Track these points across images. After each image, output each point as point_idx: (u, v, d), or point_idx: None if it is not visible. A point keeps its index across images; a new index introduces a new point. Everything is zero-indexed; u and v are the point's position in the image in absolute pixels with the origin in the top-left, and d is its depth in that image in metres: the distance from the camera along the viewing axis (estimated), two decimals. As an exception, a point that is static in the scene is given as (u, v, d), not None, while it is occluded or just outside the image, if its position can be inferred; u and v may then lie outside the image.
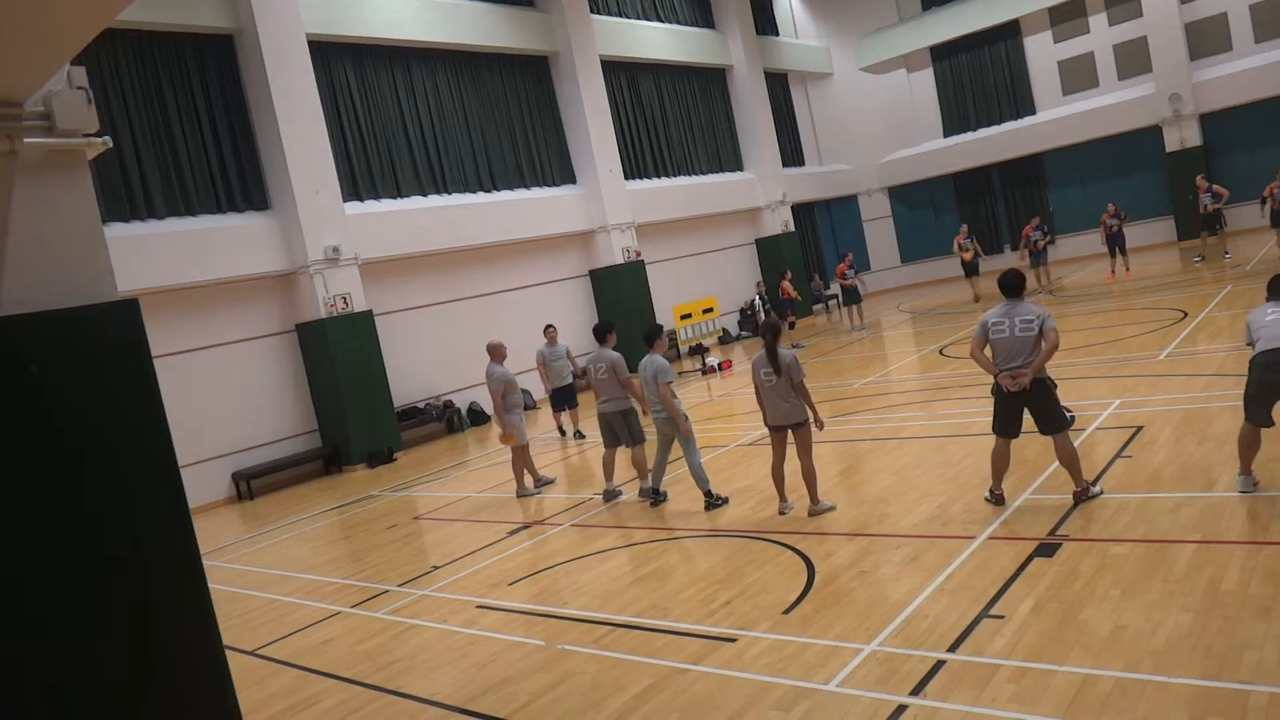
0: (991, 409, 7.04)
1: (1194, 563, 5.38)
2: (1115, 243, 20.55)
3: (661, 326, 9.32)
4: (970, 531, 6.63)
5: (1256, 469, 6.40)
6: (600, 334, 9.70)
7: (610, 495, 9.70)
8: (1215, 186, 20.27)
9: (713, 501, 8.61)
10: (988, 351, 6.96)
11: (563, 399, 14.18)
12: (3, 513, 3.52)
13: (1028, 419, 6.88)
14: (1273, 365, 6.06)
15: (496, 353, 10.79)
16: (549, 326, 14.43)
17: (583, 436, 14.16)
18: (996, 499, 7.08)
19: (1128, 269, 20.79)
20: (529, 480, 10.97)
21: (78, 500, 3.73)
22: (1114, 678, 4.30)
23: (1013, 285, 6.95)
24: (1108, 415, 9.16)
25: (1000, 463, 7.02)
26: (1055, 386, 6.85)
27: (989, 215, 29.08)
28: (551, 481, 11.22)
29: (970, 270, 22.25)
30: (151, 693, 3.84)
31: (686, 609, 6.28)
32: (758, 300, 20.75)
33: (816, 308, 27.52)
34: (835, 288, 23.77)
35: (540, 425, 16.45)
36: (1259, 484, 6.34)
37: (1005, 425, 6.92)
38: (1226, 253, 20.28)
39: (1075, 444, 8.19)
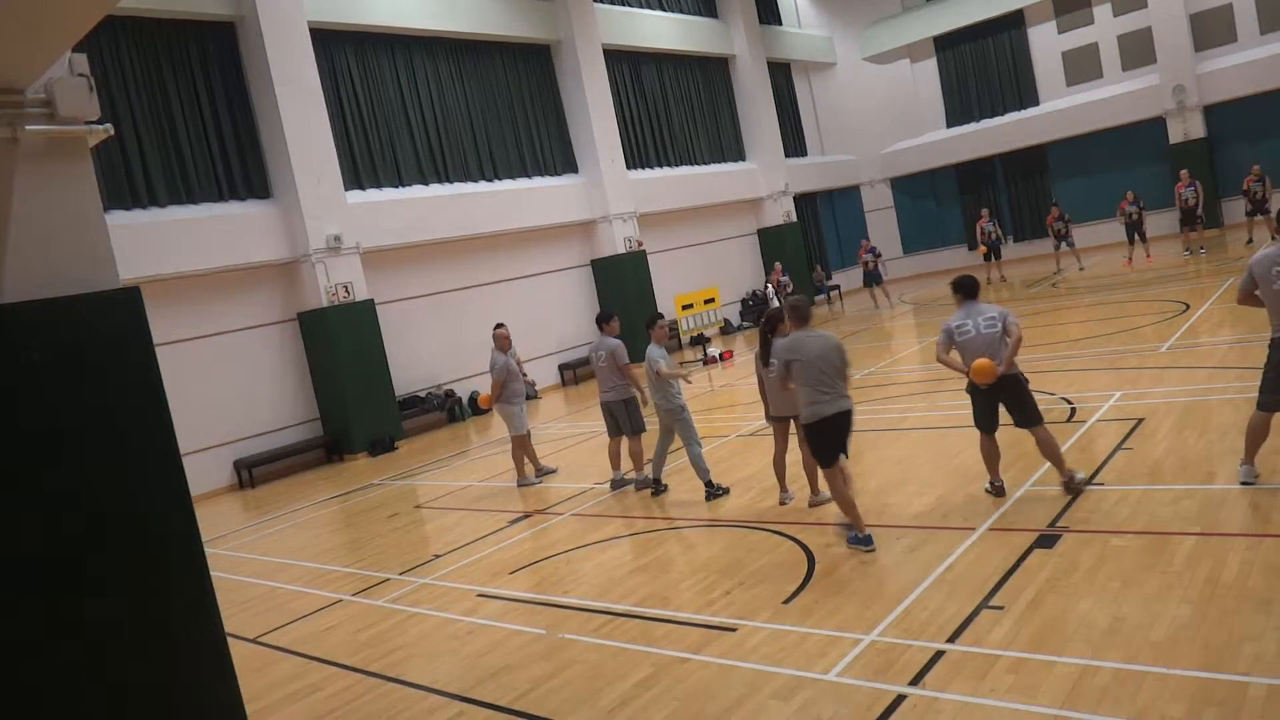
0: (971, 407, 7.13)
1: (1194, 555, 5.39)
2: (1135, 230, 20.70)
3: (659, 314, 9.32)
4: (970, 523, 6.63)
5: (1257, 461, 6.38)
6: (600, 322, 9.75)
7: (617, 484, 9.72)
8: (1197, 183, 20.62)
9: (713, 491, 8.62)
10: (954, 355, 7.06)
11: None
12: (4, 501, 3.53)
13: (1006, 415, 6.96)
14: None
15: (501, 341, 10.81)
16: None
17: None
18: (997, 490, 7.10)
19: (1148, 255, 21.02)
20: (530, 469, 10.98)
21: (79, 488, 3.73)
22: (1113, 669, 4.31)
23: (969, 287, 7.12)
24: (1109, 407, 9.15)
25: (990, 456, 7.12)
26: (1027, 382, 6.97)
27: (992, 207, 29.00)
28: (553, 471, 11.24)
29: (992, 253, 23.11)
30: (154, 681, 3.86)
31: (686, 598, 6.29)
32: (771, 290, 20.57)
33: (819, 298, 27.49)
34: (838, 278, 24.18)
35: (542, 415, 16.47)
36: (1259, 476, 6.33)
37: (986, 420, 7.03)
38: (1201, 248, 20.49)
39: (1076, 436, 8.25)
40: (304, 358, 16.05)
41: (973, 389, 6.97)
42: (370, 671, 6.08)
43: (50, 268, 3.78)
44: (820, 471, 7.04)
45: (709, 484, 8.65)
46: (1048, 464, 7.63)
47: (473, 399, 17.78)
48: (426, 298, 18.05)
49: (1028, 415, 6.84)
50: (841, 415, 6.56)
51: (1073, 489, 6.81)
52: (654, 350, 8.82)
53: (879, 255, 23.97)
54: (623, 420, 9.51)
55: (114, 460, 3.85)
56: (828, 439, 6.62)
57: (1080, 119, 26.44)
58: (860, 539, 6.55)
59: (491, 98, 19.60)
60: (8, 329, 3.61)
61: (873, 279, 23.59)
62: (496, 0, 19.41)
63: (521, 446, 10.77)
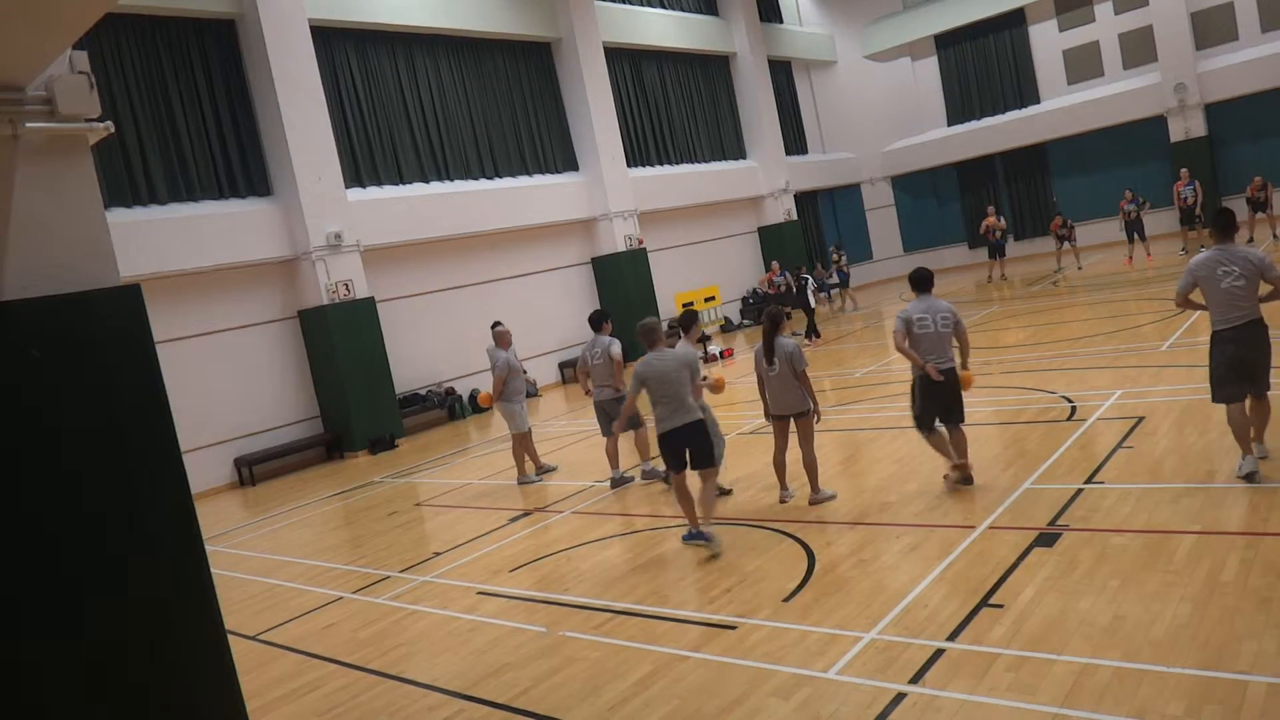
0: (913, 407, 7.48)
1: (1194, 553, 5.39)
2: (1135, 229, 20.69)
3: (697, 314, 8.72)
4: (970, 521, 6.64)
5: (1255, 446, 6.44)
6: (596, 322, 9.76)
7: (618, 482, 9.71)
8: (1196, 182, 20.68)
9: (714, 490, 8.61)
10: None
11: None
12: (3, 498, 3.53)
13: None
14: (1243, 340, 6.14)
15: (501, 339, 10.81)
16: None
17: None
18: (965, 477, 7.35)
19: (1149, 254, 21.01)
20: (530, 467, 10.98)
21: (80, 485, 3.73)
22: (1112, 667, 4.31)
23: (925, 281, 7.48)
24: (1109, 405, 9.16)
25: (945, 448, 7.39)
26: None
27: (995, 205, 28.97)
28: (553, 469, 11.23)
29: (995, 251, 23.25)
30: (154, 678, 3.86)
31: (687, 596, 6.30)
32: (811, 280, 19.98)
33: (819, 295, 27.46)
34: (837, 276, 24.27)
35: (542, 413, 16.48)
36: (1268, 455, 6.47)
37: (933, 418, 7.37)
38: (1202, 247, 20.52)
39: (1076, 435, 8.30)
40: (304, 355, 16.04)
41: (925, 388, 7.26)
42: (370, 669, 6.09)
43: (51, 265, 3.78)
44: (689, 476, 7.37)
45: (709, 482, 8.63)
46: (1048, 462, 7.68)
47: (473, 397, 17.78)
48: (427, 295, 18.04)
49: (960, 412, 7.33)
50: (687, 427, 7.09)
51: (953, 484, 7.42)
52: (675, 353, 8.74)
53: (839, 259, 24.42)
54: (618, 418, 9.50)
55: (114, 458, 3.85)
56: (672, 446, 7.19)
57: (1081, 117, 26.41)
58: (694, 534, 7.16)
59: (492, 95, 19.58)
60: (8, 326, 3.61)
61: (841, 281, 24.13)
62: (497, -3, 19.41)
63: (522, 444, 10.76)
